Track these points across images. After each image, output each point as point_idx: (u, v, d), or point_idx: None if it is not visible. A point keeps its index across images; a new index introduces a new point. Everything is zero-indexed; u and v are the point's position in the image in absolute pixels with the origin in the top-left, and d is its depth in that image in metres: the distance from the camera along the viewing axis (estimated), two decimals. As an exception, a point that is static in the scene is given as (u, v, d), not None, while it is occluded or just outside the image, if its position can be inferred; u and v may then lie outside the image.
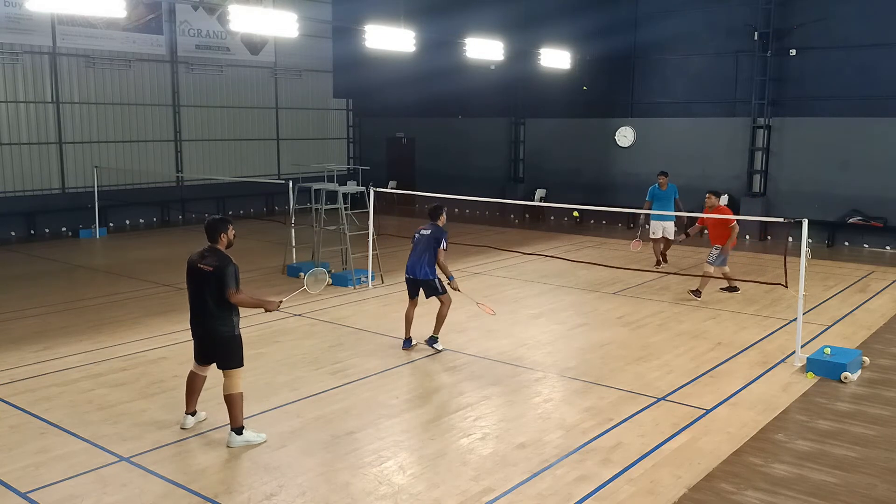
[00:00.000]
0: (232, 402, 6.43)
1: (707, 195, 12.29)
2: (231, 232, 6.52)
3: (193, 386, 6.82)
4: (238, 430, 6.46)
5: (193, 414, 6.92)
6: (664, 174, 14.32)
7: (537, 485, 5.82)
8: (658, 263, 14.45)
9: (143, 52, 20.77)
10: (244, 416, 6.58)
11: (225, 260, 6.32)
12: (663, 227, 14.28)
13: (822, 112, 17.81)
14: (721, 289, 12.43)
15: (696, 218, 12.72)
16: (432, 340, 9.25)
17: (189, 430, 6.80)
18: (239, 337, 6.53)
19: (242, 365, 6.56)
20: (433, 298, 9.17)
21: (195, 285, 6.43)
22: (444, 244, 8.97)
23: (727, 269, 12.30)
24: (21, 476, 5.93)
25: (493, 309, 9.60)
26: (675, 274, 13.63)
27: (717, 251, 11.89)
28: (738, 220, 12.13)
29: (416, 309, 9.29)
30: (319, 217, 13.50)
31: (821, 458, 6.32)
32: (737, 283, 12.36)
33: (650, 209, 13.90)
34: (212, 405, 7.28)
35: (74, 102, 19.59)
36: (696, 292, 11.89)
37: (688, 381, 8.18)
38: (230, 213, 22.53)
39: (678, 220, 14.39)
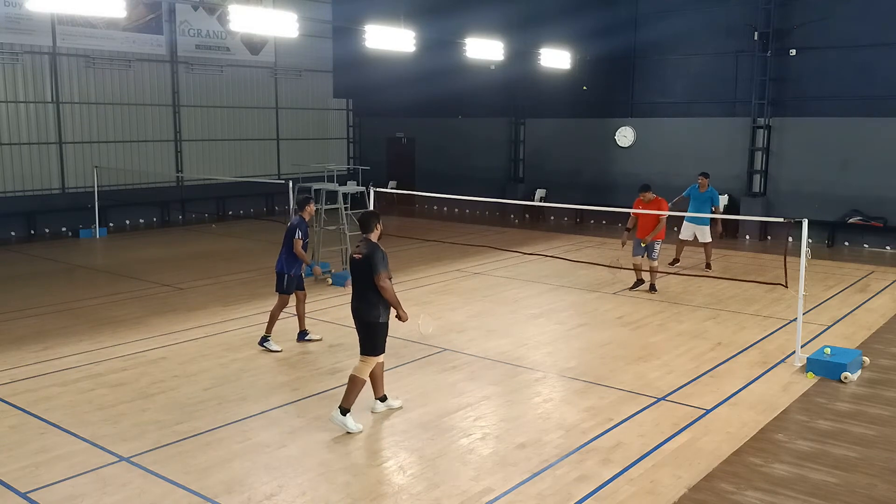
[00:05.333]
0: (352, 383, 6.85)
1: (643, 192, 12.36)
2: (381, 223, 7.14)
3: (374, 371, 7.09)
4: (344, 410, 6.81)
5: (383, 399, 7.28)
6: (705, 175, 14.28)
7: (537, 485, 5.82)
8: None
9: (143, 52, 20.76)
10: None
11: (373, 247, 6.87)
12: (694, 231, 14.31)
13: (822, 112, 17.80)
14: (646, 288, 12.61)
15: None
16: (263, 340, 9.30)
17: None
18: (384, 325, 6.91)
19: (377, 353, 6.93)
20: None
21: (353, 273, 7.01)
22: (298, 234, 9.22)
23: (656, 263, 12.47)
24: (21, 476, 5.93)
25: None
26: (674, 274, 13.65)
27: (657, 245, 12.20)
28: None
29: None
30: (319, 217, 13.50)
31: (821, 458, 6.32)
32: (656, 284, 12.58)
33: (687, 206, 14.11)
34: (211, 406, 7.28)
35: (74, 102, 19.58)
36: (652, 287, 12.38)
37: (688, 381, 8.18)
38: (230, 213, 22.58)
39: (712, 226, 14.35)
